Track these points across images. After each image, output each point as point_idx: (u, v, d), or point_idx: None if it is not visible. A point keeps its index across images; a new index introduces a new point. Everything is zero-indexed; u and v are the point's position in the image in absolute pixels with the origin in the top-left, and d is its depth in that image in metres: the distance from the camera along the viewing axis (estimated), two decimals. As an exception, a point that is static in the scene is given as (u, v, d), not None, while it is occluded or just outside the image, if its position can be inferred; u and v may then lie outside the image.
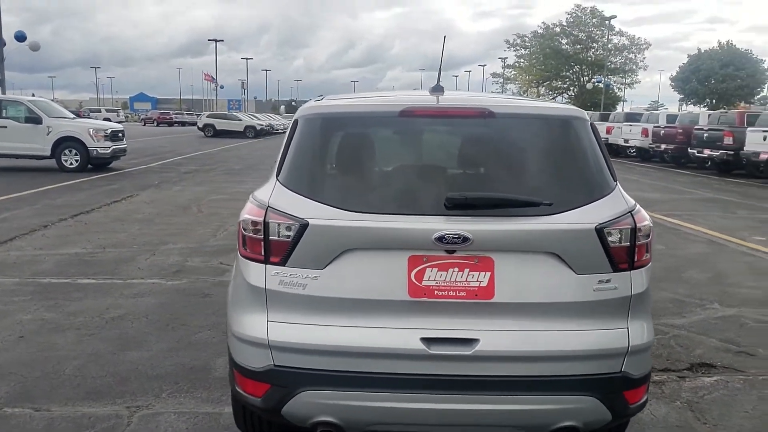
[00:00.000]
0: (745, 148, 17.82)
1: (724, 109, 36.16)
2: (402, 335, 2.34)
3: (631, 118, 27.44)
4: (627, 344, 2.39)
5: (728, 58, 57.60)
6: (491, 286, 2.34)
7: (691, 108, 55.81)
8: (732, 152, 18.53)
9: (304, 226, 2.36)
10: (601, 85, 47.73)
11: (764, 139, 17.20)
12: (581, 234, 2.36)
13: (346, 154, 2.59)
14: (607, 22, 47.24)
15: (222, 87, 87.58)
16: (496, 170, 2.55)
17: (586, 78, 51.43)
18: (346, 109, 2.67)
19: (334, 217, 2.36)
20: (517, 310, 2.36)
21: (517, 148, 2.58)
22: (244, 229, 2.52)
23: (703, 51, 59.53)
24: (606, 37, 48.93)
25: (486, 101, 2.76)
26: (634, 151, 25.95)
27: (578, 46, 50.36)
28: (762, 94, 60.69)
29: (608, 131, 26.88)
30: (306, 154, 2.56)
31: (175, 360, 4.08)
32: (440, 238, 2.29)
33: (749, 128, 18.07)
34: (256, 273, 2.46)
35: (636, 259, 2.42)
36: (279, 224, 2.41)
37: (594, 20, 49.30)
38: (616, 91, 54.47)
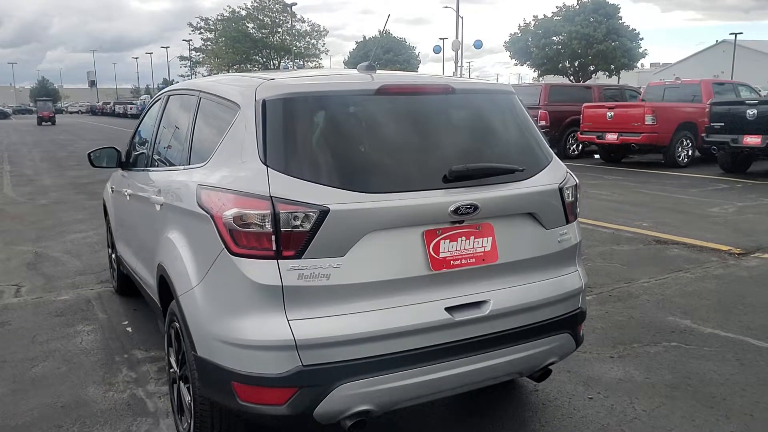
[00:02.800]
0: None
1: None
2: (428, 309, 2.40)
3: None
4: (581, 284, 2.85)
5: (389, 45, 65.27)
6: (494, 249, 2.55)
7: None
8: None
9: (324, 213, 2.24)
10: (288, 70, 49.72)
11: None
12: (549, 194, 2.72)
13: (335, 135, 2.48)
14: (288, 8, 49.15)
15: None
16: (471, 142, 2.71)
17: (276, 62, 52.95)
18: (321, 89, 2.53)
19: (354, 201, 2.29)
20: (514, 268, 2.61)
21: (480, 120, 2.78)
22: (236, 225, 2.28)
23: (368, 38, 66.39)
24: (290, 22, 50.88)
25: (433, 78, 2.93)
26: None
27: (264, 31, 51.42)
28: (416, 76, 70.14)
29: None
30: (292, 136, 2.39)
31: (32, 402, 3.33)
32: (456, 210, 2.41)
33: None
34: (266, 270, 2.25)
35: (577, 212, 2.90)
36: (292, 214, 2.24)
37: (277, 6, 50.83)
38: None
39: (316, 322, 2.26)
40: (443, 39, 74.78)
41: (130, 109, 58.03)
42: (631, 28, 50.18)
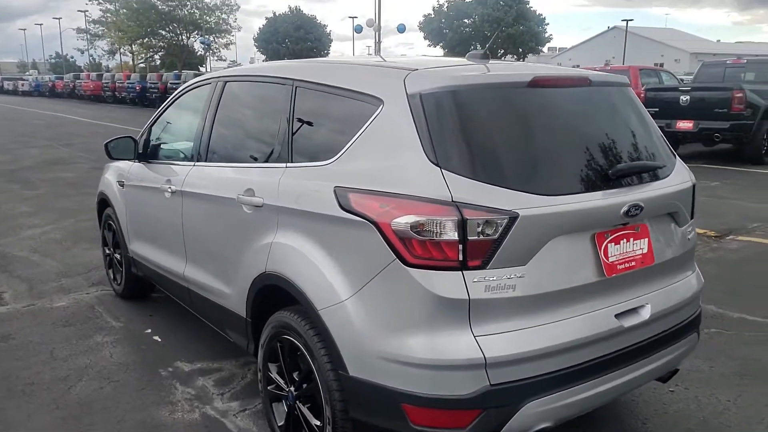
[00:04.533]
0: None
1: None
2: (602, 317, 2.31)
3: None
4: (702, 282, 2.86)
5: (299, 22, 63.95)
6: (650, 251, 2.48)
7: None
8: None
9: (513, 219, 2.08)
10: (197, 45, 47.56)
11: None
12: (686, 191, 2.68)
13: (503, 132, 2.29)
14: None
15: None
16: (615, 138, 2.57)
17: (185, 37, 50.43)
18: (476, 81, 2.33)
19: (541, 205, 2.14)
20: (663, 269, 2.57)
21: (614, 115, 2.67)
22: (413, 233, 2.08)
23: (278, 15, 64.68)
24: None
25: (569, 70, 2.81)
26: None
27: (171, 3, 48.69)
28: (327, 54, 69.16)
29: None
30: (462, 134, 2.19)
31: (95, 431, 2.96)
32: (627, 211, 2.32)
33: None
34: (451, 283, 2.07)
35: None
36: (480, 221, 2.06)
37: (184, -23, 48.41)
38: (221, 50, 55.44)
39: (503, 337, 2.11)
40: (353, 17, 74.43)
41: (22, 85, 53.46)
42: (537, 13, 51.99)
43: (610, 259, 2.35)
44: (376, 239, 2.16)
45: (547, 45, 61.31)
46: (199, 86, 3.76)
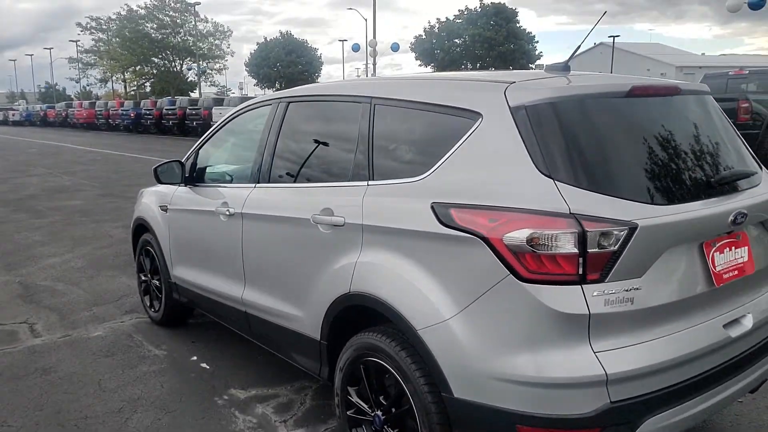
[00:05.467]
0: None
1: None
2: (711, 328, 2.24)
3: (218, 102, 31.11)
4: None
5: (291, 46, 64.30)
6: (750, 259, 2.42)
7: (268, 91, 60.54)
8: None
9: (633, 229, 2.00)
10: (192, 71, 47.84)
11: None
12: None
13: (611, 141, 2.23)
14: (191, 8, 47.05)
15: None
16: (710, 146, 2.51)
17: (178, 63, 50.52)
18: (577, 91, 2.27)
19: (658, 215, 2.08)
20: (760, 277, 2.51)
21: (707, 123, 2.62)
22: (529, 247, 2.00)
23: (269, 39, 65.06)
24: (193, 22, 48.69)
25: (658, 79, 2.76)
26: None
27: (165, 31, 48.82)
28: (318, 77, 69.47)
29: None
30: (572, 145, 2.12)
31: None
32: (734, 220, 2.26)
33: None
34: (570, 297, 1.98)
35: None
36: (600, 233, 1.98)
37: (178, 5, 48.43)
38: (213, 75, 55.60)
39: (622, 352, 2.03)
40: (343, 41, 75.05)
41: (12, 115, 53.34)
42: (527, 32, 52.61)
43: (717, 269, 2.28)
44: (486, 254, 2.07)
45: (536, 62, 61.98)
46: (255, 108, 3.66)
